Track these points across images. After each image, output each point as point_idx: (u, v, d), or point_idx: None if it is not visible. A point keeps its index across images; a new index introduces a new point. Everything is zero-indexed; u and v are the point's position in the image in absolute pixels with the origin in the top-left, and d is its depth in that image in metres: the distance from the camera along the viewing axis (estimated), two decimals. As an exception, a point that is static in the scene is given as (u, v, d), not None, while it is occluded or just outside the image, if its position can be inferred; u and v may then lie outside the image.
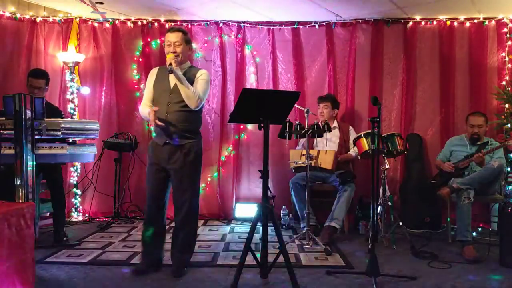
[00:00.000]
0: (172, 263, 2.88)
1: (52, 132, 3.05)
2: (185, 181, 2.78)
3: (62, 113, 3.99)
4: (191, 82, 2.77)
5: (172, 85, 2.78)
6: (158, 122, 2.68)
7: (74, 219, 4.66)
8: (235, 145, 4.84)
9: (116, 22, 4.83)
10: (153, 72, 2.93)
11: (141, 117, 3.17)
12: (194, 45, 4.84)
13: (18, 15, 4.56)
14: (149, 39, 4.84)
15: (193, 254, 3.00)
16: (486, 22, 4.60)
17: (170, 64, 2.66)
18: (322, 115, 4.20)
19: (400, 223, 3.67)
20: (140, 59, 4.82)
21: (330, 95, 4.40)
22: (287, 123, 3.49)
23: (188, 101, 2.72)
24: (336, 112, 4.36)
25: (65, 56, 4.65)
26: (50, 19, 4.72)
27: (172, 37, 2.76)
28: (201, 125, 2.94)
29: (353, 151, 4.17)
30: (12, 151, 2.91)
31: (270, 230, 2.72)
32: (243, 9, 4.45)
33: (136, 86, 4.84)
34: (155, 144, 2.85)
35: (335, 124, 4.30)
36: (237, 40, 4.83)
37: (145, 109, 2.84)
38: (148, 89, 2.91)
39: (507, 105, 4.33)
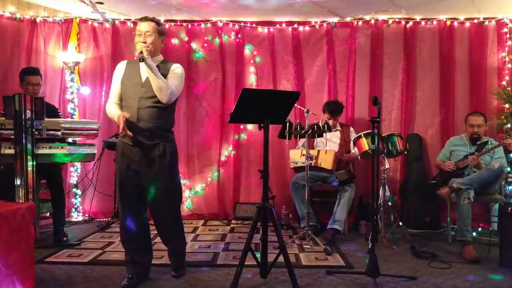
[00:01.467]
0: (171, 263, 2.84)
1: (52, 132, 3.05)
2: (163, 186, 2.59)
3: (59, 111, 3.99)
4: (164, 76, 2.55)
5: (144, 78, 2.56)
6: (128, 132, 2.46)
7: (74, 219, 4.66)
8: (235, 145, 4.84)
9: (116, 22, 4.83)
10: (121, 66, 2.70)
11: (109, 116, 2.71)
12: (194, 45, 4.85)
13: (18, 15, 4.56)
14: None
15: (194, 254, 3.00)
16: (486, 22, 4.60)
17: (141, 52, 2.45)
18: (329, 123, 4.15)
19: (400, 223, 3.67)
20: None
21: (340, 108, 4.27)
22: (287, 123, 3.49)
23: (159, 93, 2.49)
24: None
25: (65, 56, 4.65)
26: (50, 19, 4.72)
27: (143, 27, 2.56)
28: (174, 124, 2.74)
29: (355, 152, 4.17)
30: (12, 151, 2.91)
31: (270, 230, 2.72)
32: (243, 9, 4.45)
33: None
34: (123, 144, 2.61)
35: (337, 126, 4.29)
36: (237, 40, 4.83)
37: (113, 109, 2.62)
38: (114, 84, 2.67)
39: (507, 105, 4.34)
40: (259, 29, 4.83)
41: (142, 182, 2.61)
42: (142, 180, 2.61)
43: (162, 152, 2.58)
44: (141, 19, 2.61)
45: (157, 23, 2.61)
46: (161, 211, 2.67)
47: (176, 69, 2.64)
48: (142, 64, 2.52)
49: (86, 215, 4.73)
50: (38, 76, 3.69)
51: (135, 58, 2.49)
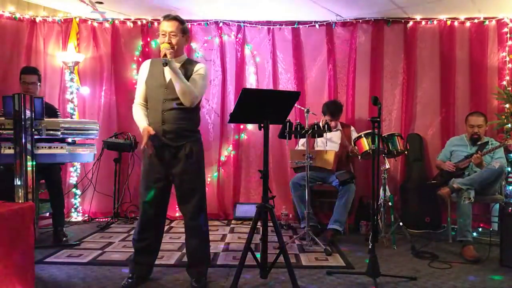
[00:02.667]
0: (190, 275, 2.67)
1: (51, 132, 3.04)
2: (191, 188, 2.57)
3: (57, 110, 3.98)
4: (188, 76, 2.54)
5: (167, 79, 2.52)
6: (149, 150, 2.48)
7: (73, 219, 4.65)
8: (235, 145, 4.83)
9: (116, 21, 4.82)
10: (145, 66, 2.66)
11: (134, 119, 2.66)
12: (194, 45, 4.84)
13: (17, 15, 4.55)
14: (148, 39, 4.83)
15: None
16: (487, 22, 4.60)
17: (165, 55, 2.39)
18: (331, 125, 4.14)
19: (401, 223, 3.67)
20: (140, 59, 4.80)
21: (340, 108, 4.24)
22: (287, 123, 3.48)
23: (183, 97, 2.46)
24: None
25: (65, 56, 4.64)
26: (50, 19, 4.71)
27: (168, 27, 2.50)
28: (200, 123, 2.72)
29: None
30: (11, 151, 2.91)
31: (270, 230, 2.71)
32: (243, 8, 4.45)
33: (136, 86, 4.82)
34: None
35: (338, 126, 4.28)
36: (237, 40, 4.83)
37: (139, 114, 2.60)
38: (140, 85, 2.65)
39: (507, 105, 4.33)
40: (259, 29, 4.82)
41: (176, 187, 2.60)
42: (175, 184, 2.59)
43: (188, 152, 2.55)
44: (164, 18, 2.55)
45: (181, 21, 2.56)
46: (189, 211, 2.60)
47: (200, 69, 2.59)
48: (166, 67, 2.46)
49: (86, 215, 4.72)
50: (34, 75, 3.68)
51: (160, 59, 2.45)
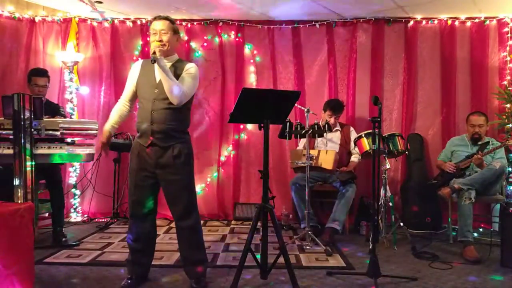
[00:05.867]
0: (188, 276, 2.66)
1: (50, 132, 3.03)
2: (179, 189, 2.55)
3: (61, 108, 3.98)
4: (178, 75, 2.53)
5: (158, 79, 2.51)
6: (104, 152, 2.66)
7: (73, 220, 4.64)
8: (235, 145, 4.82)
9: (115, 21, 4.81)
10: (137, 66, 2.65)
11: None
12: (193, 45, 4.83)
13: (16, 15, 4.54)
14: (148, 39, 4.79)
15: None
16: (487, 22, 4.58)
17: (154, 52, 2.40)
18: (330, 122, 4.15)
19: (401, 224, 3.66)
20: (140, 59, 4.78)
21: (341, 106, 4.25)
22: (287, 123, 3.47)
23: (170, 95, 2.44)
24: None
25: (64, 56, 4.63)
26: (49, 19, 4.70)
27: (158, 25, 2.51)
28: (189, 124, 2.69)
29: (355, 157, 4.16)
30: (10, 151, 2.90)
31: (270, 231, 2.70)
32: (243, 8, 4.44)
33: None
34: (138, 145, 2.57)
35: (337, 126, 4.27)
36: (237, 39, 4.82)
37: (114, 110, 2.68)
38: (128, 84, 2.65)
39: (508, 105, 4.32)
40: (259, 28, 4.81)
41: (163, 188, 2.59)
42: (161, 185, 2.58)
43: (177, 153, 2.53)
44: (155, 18, 2.57)
45: (171, 21, 2.57)
46: (178, 212, 2.59)
47: (190, 68, 2.58)
48: (155, 64, 2.46)
49: (85, 215, 4.71)
50: (45, 77, 3.73)
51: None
